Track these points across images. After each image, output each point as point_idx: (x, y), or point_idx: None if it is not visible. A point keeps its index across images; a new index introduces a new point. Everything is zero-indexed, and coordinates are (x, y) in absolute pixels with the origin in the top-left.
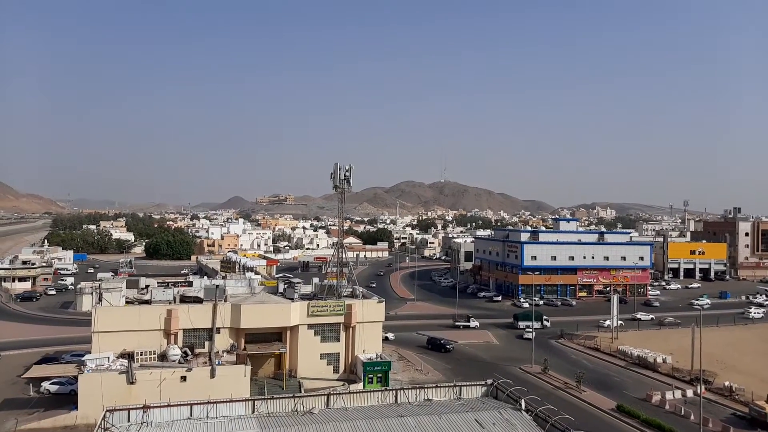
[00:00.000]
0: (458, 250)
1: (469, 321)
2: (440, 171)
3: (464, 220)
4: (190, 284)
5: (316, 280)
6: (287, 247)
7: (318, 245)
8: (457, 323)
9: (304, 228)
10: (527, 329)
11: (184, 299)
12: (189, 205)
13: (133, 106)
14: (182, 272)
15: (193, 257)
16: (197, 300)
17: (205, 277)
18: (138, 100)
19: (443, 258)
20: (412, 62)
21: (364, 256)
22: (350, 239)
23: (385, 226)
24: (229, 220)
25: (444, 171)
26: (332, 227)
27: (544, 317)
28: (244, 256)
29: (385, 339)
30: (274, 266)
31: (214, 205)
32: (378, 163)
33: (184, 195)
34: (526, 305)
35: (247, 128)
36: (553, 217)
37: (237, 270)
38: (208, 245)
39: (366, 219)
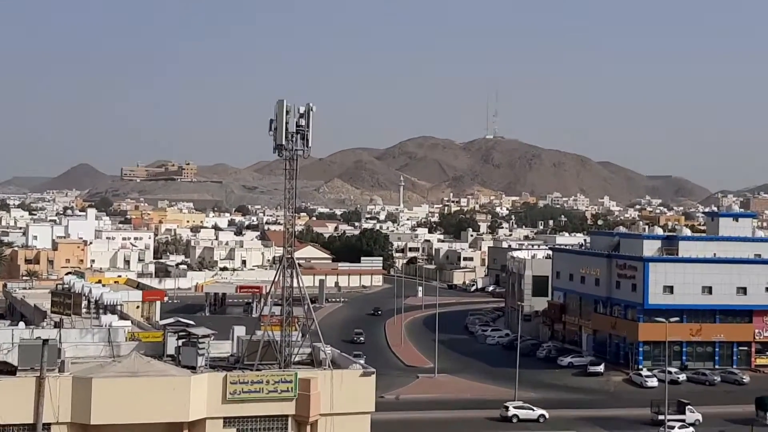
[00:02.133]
0: (519, 274)
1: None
2: (485, 120)
3: (532, 213)
4: None
5: (239, 330)
6: (183, 266)
7: (245, 262)
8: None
9: (217, 228)
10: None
11: None
12: None
13: None
14: None
15: None
16: (6, 369)
17: (21, 324)
18: None
19: (491, 289)
20: None
21: (337, 284)
22: (309, 250)
23: (378, 226)
24: (69, 212)
25: (493, 118)
26: (274, 226)
27: None
28: (99, 282)
29: None
30: (158, 302)
31: (39, 183)
32: (364, 104)
33: None
34: (653, 382)
35: (102, 40)
36: (707, 209)
37: (84, 310)
38: (27, 260)
39: (340, 211)
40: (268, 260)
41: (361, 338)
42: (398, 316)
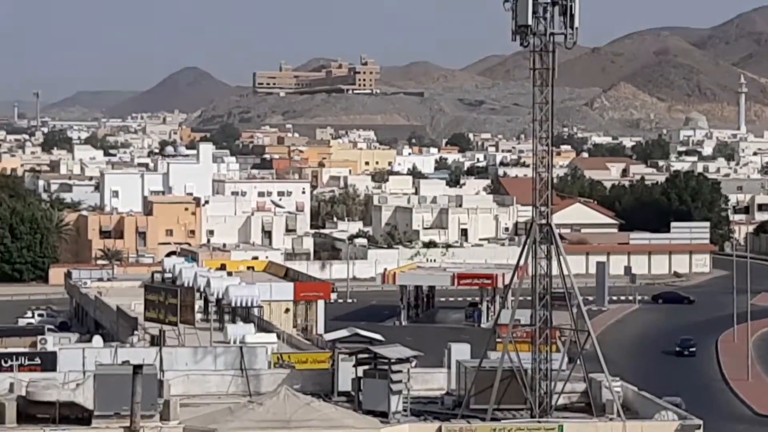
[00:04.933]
0: None
1: None
2: None
3: None
4: (46, 362)
5: (460, 351)
6: (361, 241)
7: (465, 233)
8: None
9: (417, 174)
10: None
11: (30, 409)
12: (37, 100)
13: None
14: (25, 318)
15: (55, 271)
16: (75, 415)
17: (96, 339)
18: None
19: None
20: None
21: (629, 270)
22: (577, 211)
23: (702, 167)
24: (170, 150)
25: None
26: (514, 170)
27: None
28: (222, 268)
29: None
30: (320, 303)
31: (120, 101)
32: None
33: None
34: None
35: None
36: None
37: (200, 315)
38: (103, 232)
39: (631, 142)
40: (506, 229)
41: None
42: (740, 326)
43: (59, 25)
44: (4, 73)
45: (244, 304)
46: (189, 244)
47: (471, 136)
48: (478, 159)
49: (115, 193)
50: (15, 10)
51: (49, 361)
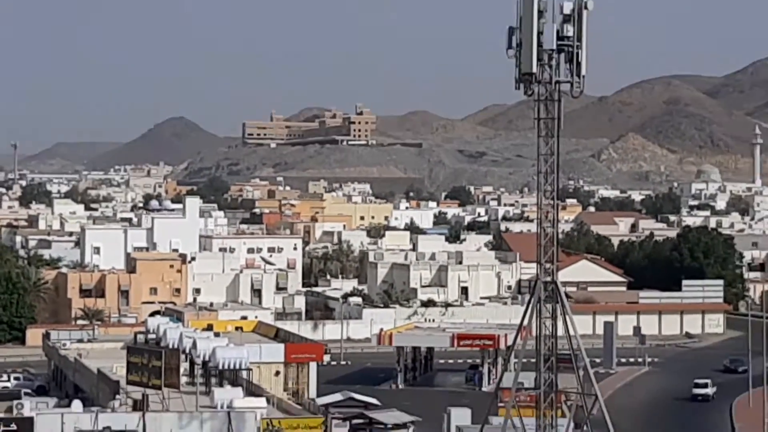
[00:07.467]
0: None
1: None
2: None
3: None
4: (23, 428)
5: (460, 416)
6: (356, 300)
7: (466, 291)
8: None
9: (415, 230)
10: None
11: None
12: (14, 151)
13: None
14: (0, 381)
15: (33, 332)
16: None
17: (76, 403)
18: None
19: None
20: None
21: (638, 330)
22: (583, 269)
23: (715, 222)
24: (154, 204)
25: None
26: (517, 225)
27: None
28: (209, 329)
29: None
30: (313, 365)
31: (101, 153)
32: None
33: None
34: None
35: None
36: None
37: (186, 378)
38: (83, 291)
39: (640, 195)
40: (509, 287)
41: None
42: (756, 391)
43: (37, 73)
44: None
45: (231, 367)
46: (174, 303)
47: (472, 189)
48: (479, 213)
49: (97, 250)
50: None
51: (25, 428)
